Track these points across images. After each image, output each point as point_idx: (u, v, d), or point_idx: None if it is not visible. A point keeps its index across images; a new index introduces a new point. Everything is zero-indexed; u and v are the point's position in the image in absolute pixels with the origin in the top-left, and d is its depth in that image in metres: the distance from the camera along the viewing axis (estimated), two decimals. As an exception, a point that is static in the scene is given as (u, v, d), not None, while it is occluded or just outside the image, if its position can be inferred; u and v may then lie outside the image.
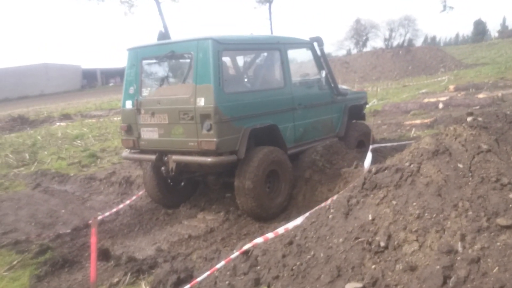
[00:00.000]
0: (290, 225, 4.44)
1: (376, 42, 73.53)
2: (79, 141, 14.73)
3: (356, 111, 8.49)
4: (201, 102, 5.87)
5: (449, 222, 3.06)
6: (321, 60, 7.62)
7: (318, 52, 7.60)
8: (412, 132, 9.98)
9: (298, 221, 4.51)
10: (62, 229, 7.01)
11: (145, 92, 6.75)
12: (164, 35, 45.28)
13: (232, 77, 6.92)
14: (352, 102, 8.34)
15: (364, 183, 3.66)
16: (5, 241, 5.90)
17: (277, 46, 6.89)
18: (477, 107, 12.54)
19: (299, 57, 8.60)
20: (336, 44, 72.84)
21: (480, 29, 75.62)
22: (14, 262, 4.92)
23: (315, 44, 7.56)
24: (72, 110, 29.01)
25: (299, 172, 6.88)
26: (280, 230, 4.33)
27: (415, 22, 71.62)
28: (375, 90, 21.07)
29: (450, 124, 3.78)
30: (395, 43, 67.04)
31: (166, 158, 6.48)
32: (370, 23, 71.81)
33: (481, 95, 14.34)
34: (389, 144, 7.75)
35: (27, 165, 11.57)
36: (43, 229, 7.05)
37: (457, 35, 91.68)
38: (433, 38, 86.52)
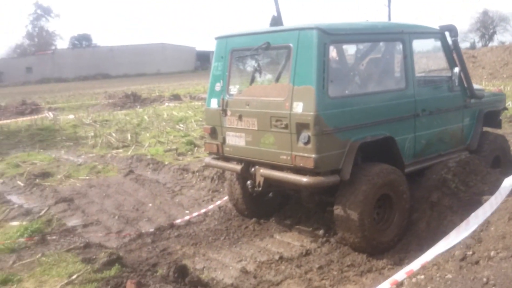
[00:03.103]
0: (416, 265, 3.21)
1: (504, 37, 66.65)
2: (181, 125, 14.41)
3: (491, 118, 6.86)
4: (298, 108, 4.75)
5: None
6: (453, 54, 6.10)
7: (450, 44, 6.09)
8: None
9: (427, 257, 3.25)
10: (145, 226, 6.41)
11: (233, 90, 5.74)
12: (276, 20, 44.51)
13: (339, 76, 5.63)
14: (488, 107, 6.73)
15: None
16: (76, 242, 5.34)
17: (400, 37, 5.50)
18: None
19: (425, 49, 7.04)
20: (459, 35, 67.29)
21: None
22: (74, 276, 4.26)
23: (447, 34, 6.06)
24: (182, 91, 29.38)
25: (423, 193, 5.53)
26: (399, 276, 3.12)
27: (551, 16, 63.90)
28: (509, 90, 18.39)
29: None
30: (526, 39, 60.25)
31: (253, 170, 5.50)
32: (499, 15, 65.55)
33: None
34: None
35: (127, 146, 11.37)
36: (126, 224, 6.51)
37: None
38: None
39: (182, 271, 4.66)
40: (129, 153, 10.34)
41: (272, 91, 5.33)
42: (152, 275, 4.55)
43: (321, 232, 5.74)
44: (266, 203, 6.39)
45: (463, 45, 61.17)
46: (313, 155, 4.69)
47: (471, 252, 4.04)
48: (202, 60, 74.45)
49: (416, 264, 3.15)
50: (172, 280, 4.51)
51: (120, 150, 10.92)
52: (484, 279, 2.55)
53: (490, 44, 56.78)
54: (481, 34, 66.80)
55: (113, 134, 12.92)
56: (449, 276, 3.68)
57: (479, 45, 61.26)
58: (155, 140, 11.78)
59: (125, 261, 4.96)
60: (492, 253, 3.83)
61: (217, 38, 5.88)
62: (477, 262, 3.86)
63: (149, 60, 65.25)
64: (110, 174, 8.78)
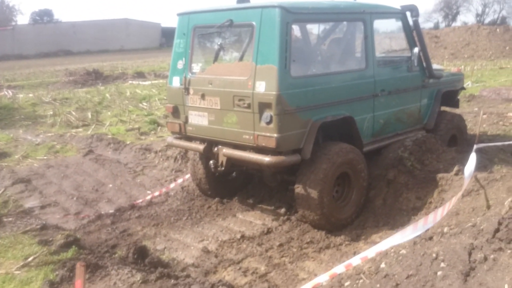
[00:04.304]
0: (371, 252, 3.27)
1: (467, 17, 68.18)
2: (145, 103, 14.16)
3: (448, 97, 7.00)
4: (261, 87, 4.73)
5: None
6: (414, 35, 6.17)
7: (411, 25, 6.14)
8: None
9: (383, 245, 3.32)
10: (105, 207, 6.33)
11: (196, 68, 5.65)
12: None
13: (301, 56, 5.61)
14: (446, 87, 6.86)
15: (497, 230, 2.43)
16: (33, 223, 5.21)
17: (362, 16, 5.50)
18: None
19: (386, 29, 7.09)
20: (423, 15, 68.07)
21: None
22: (30, 258, 4.16)
23: (408, 14, 6.10)
24: (146, 68, 28.71)
25: (380, 171, 5.65)
26: (355, 260, 3.18)
27: (512, -2, 65.28)
28: (469, 70, 18.85)
29: None
30: (487, 20, 61.59)
31: (216, 149, 5.47)
32: (463, -4, 66.11)
33: None
34: (499, 144, 6.22)
35: (87, 125, 11.11)
36: (85, 205, 6.41)
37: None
38: (529, 18, 78.63)
39: (141, 252, 4.64)
40: (89, 132, 10.11)
41: (235, 70, 5.27)
42: (111, 256, 4.50)
43: (282, 210, 5.80)
44: (229, 182, 6.39)
45: (427, 25, 62.16)
46: (275, 135, 4.70)
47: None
48: (168, 36, 72.79)
49: (371, 252, 3.18)
50: (131, 262, 4.49)
51: (80, 129, 10.66)
52: (434, 255, 2.64)
53: (453, 25, 57.78)
54: (445, 14, 67.72)
55: (73, 113, 12.58)
56: (403, 251, 3.78)
57: (442, 25, 62.28)
58: (116, 119, 11.55)
59: (83, 243, 4.90)
60: (445, 229, 3.94)
61: (179, 15, 5.76)
62: (430, 238, 3.97)
63: (112, 37, 63.43)
64: (69, 154, 8.58)
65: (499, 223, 2.52)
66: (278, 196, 6.15)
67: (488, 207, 3.92)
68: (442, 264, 2.53)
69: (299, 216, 5.33)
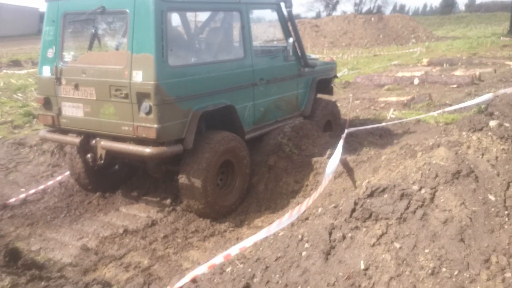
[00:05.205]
0: (249, 242, 3.37)
1: (346, 6, 72.38)
2: (20, 94, 13.09)
3: (323, 85, 7.40)
4: (138, 77, 4.62)
5: (478, 287, 2.11)
6: (289, 25, 6.42)
7: (286, 15, 6.38)
8: (390, 112, 9.02)
9: (261, 235, 3.44)
10: (-29, 210, 5.78)
11: (68, 57, 5.36)
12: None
13: (179, 45, 5.55)
14: (320, 75, 7.24)
15: (354, 210, 2.63)
16: None
17: (237, 6, 5.59)
18: (455, 86, 11.79)
19: (261, 20, 7.30)
20: (305, 5, 71.02)
21: (449, 1, 75.28)
22: None
23: (282, 4, 6.30)
24: (23, 56, 26.52)
25: (262, 157, 5.83)
26: (234, 250, 3.27)
27: (386, -12, 70.54)
28: (346, 58, 20.08)
29: (470, 129, 2.77)
30: (364, 9, 65.89)
31: (94, 142, 5.26)
32: (342, -15, 69.91)
33: (457, 72, 13.60)
34: (369, 127, 6.72)
35: (-49, 121, 10.01)
36: None
37: (425, 5, 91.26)
38: (402, 7, 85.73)
39: (13, 254, 4.35)
40: (-47, 128, 9.13)
41: (110, 59, 5.08)
42: (-23, 261, 4.16)
43: (168, 201, 5.76)
44: (111, 175, 6.18)
45: (309, 14, 64.79)
46: (155, 125, 4.63)
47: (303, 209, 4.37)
48: (43, 23, 68.07)
49: (234, 249, 3.25)
50: (2, 265, 4.17)
51: None
52: (299, 236, 2.80)
53: (333, 14, 60.92)
54: (326, 4, 71.11)
55: None
56: (281, 233, 3.95)
57: (324, 14, 65.37)
58: (-14, 112, 10.55)
59: None
60: (320, 210, 4.18)
61: (47, 1, 5.40)
62: (306, 219, 4.19)
63: (-19, 22, 57.63)
64: None
65: (355, 203, 2.73)
66: (163, 187, 6.08)
67: (355, 188, 4.23)
68: (306, 245, 2.69)
69: (184, 206, 5.33)
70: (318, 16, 61.05)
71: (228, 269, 3.51)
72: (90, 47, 5.44)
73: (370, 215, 2.61)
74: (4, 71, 19.55)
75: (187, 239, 4.95)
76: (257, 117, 5.94)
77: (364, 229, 2.57)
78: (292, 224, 4.10)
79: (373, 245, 2.46)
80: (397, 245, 2.39)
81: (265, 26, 7.28)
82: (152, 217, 5.42)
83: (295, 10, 6.53)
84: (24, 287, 3.46)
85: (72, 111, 5.23)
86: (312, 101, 6.92)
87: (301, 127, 6.10)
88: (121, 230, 5.09)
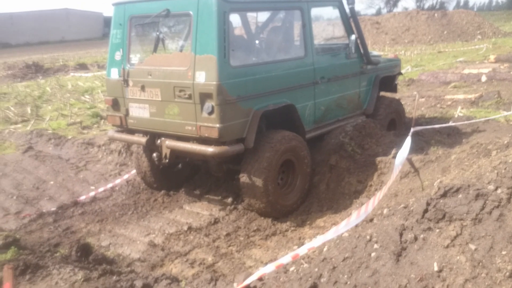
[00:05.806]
0: (317, 242, 3.34)
1: (407, 3, 70.41)
2: (87, 96, 13.73)
3: (387, 83, 7.22)
4: (201, 77, 4.70)
5: None
6: (351, 22, 6.31)
7: (348, 12, 6.28)
8: (458, 110, 8.66)
9: (329, 235, 3.39)
10: (47, 205, 6.14)
11: (134, 59, 5.54)
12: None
13: (240, 45, 5.63)
14: (384, 72, 7.07)
15: (426, 210, 2.54)
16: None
17: (299, 5, 5.56)
18: (527, 83, 11.13)
19: (323, 18, 7.19)
20: (365, 2, 69.65)
21: (517, -5, 71.33)
22: (-35, 262, 4.00)
23: (344, 1, 6.22)
24: (89, 59, 27.83)
25: (323, 157, 5.77)
26: (302, 250, 3.24)
27: (449, -16, 67.91)
28: (409, 55, 19.49)
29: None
30: (427, 5, 63.80)
31: (159, 142, 5.41)
32: (404, -18, 68.06)
33: (529, 69, 12.83)
34: (437, 127, 6.47)
35: (27, 121, 10.65)
36: (26, 204, 6.18)
37: (491, 0, 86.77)
38: (466, 2, 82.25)
39: (85, 250, 4.54)
40: (28, 128, 9.69)
41: (174, 60, 5.21)
42: (52, 255, 4.38)
43: (229, 200, 5.83)
44: (175, 174, 6.34)
45: (370, 11, 63.53)
46: (217, 125, 4.70)
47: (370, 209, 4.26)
48: (111, 26, 70.87)
49: (303, 249, 3.23)
50: (74, 260, 4.38)
51: (19, 125, 10.20)
52: (368, 237, 2.74)
53: (394, 10, 59.42)
54: (386, 0, 69.52)
55: (12, 108, 12.03)
56: (346, 234, 3.89)
57: (384, 11, 63.94)
58: (57, 113, 11.13)
59: (24, 243, 4.74)
60: (385, 211, 4.09)
61: (114, 4, 5.62)
62: (371, 220, 4.10)
63: (52, 28, 60.89)
64: (7, 151, 8.19)
65: (427, 204, 2.64)
66: (225, 186, 6.17)
67: (423, 188, 4.09)
68: (376, 246, 2.63)
69: (246, 205, 5.38)
70: (378, 13, 59.83)
71: (292, 268, 3.50)
72: (155, 49, 5.58)
73: (444, 216, 2.51)
74: (72, 74, 20.59)
75: (249, 237, 4.98)
76: (318, 116, 5.88)
77: (437, 230, 2.48)
78: (356, 225, 4.03)
79: (447, 246, 2.37)
80: (472, 246, 2.29)
81: (326, 24, 7.20)
82: (215, 215, 5.50)
83: (356, 8, 6.39)
84: (97, 281, 3.60)
85: (138, 111, 5.40)
86: (375, 99, 6.78)
87: (364, 126, 5.99)
88: (185, 227, 5.21)
